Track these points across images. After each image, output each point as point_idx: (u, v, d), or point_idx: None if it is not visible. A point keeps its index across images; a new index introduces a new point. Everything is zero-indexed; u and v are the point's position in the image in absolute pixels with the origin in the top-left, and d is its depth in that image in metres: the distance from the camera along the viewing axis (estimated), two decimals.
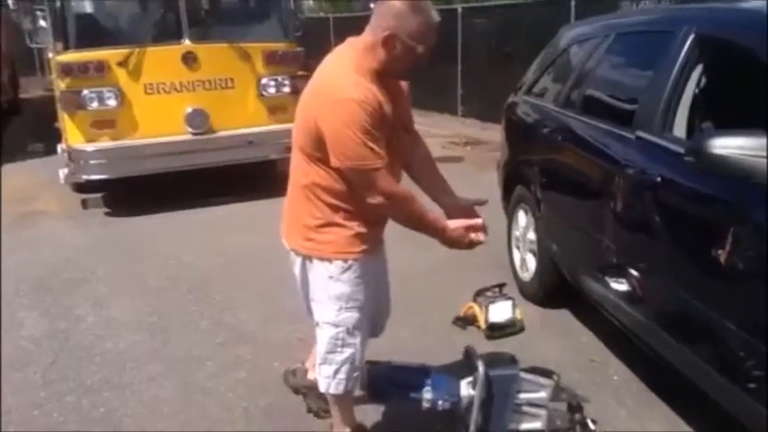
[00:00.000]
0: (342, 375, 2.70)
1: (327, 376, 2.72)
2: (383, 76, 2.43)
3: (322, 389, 2.78)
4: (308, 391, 3.11)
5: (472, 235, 2.66)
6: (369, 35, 2.41)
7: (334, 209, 2.53)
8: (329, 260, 2.58)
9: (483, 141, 9.71)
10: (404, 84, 2.64)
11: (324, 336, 2.69)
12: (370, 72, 2.40)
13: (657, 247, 2.95)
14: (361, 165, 2.36)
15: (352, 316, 2.64)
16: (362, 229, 2.56)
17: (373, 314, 2.79)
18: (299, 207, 2.62)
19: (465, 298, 4.12)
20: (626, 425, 3.08)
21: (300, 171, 2.58)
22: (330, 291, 2.62)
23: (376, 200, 2.42)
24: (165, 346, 4.01)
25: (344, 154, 2.36)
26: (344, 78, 2.37)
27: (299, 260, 2.70)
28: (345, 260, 2.57)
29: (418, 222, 2.55)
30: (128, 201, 6.92)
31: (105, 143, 6.66)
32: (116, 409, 3.38)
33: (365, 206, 2.48)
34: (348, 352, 2.68)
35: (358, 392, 2.92)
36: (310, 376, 3.07)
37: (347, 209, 2.53)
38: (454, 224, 2.65)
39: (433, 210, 2.67)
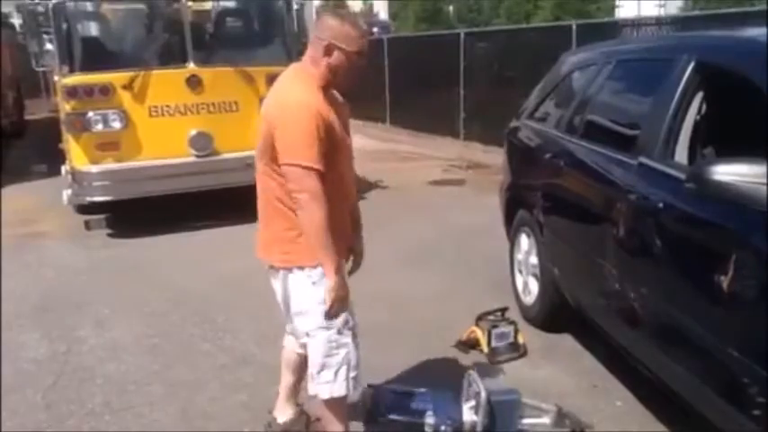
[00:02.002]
0: (342, 377, 2.73)
1: (328, 381, 2.73)
2: (328, 89, 2.67)
3: (325, 396, 2.76)
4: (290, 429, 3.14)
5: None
6: (311, 51, 2.67)
7: None
8: (311, 266, 2.66)
9: (485, 165, 9.75)
10: (344, 104, 2.83)
11: (317, 343, 2.72)
12: (316, 85, 2.63)
13: (659, 272, 2.95)
14: (297, 161, 2.50)
15: (339, 318, 2.69)
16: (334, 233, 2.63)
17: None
18: (272, 223, 2.76)
19: (467, 322, 4.11)
20: None
21: (268, 188, 2.74)
22: (316, 296, 2.66)
23: (301, 196, 2.53)
24: (166, 369, 4.00)
25: (286, 152, 2.53)
26: (293, 88, 2.63)
27: (279, 275, 2.78)
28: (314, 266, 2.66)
29: (322, 238, 2.55)
30: (131, 222, 6.94)
31: (109, 165, 6.69)
32: None
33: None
34: (343, 352, 2.72)
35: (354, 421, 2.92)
36: (281, 419, 3.15)
37: None
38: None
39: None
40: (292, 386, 3.15)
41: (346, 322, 2.72)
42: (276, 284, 2.84)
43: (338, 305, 2.62)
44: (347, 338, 2.73)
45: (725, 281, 2.45)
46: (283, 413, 3.16)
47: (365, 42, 2.64)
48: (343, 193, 2.72)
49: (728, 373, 2.53)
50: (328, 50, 2.60)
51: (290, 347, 3.09)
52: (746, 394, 2.43)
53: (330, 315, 2.62)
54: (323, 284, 2.63)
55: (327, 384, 2.74)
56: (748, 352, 2.40)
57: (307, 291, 2.69)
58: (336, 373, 2.72)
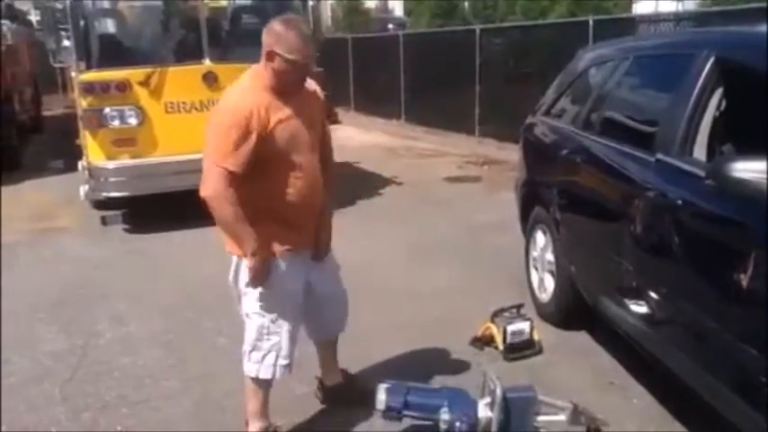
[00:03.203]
0: (269, 361, 2.96)
1: (256, 361, 2.98)
2: (281, 93, 2.79)
3: (251, 374, 3.01)
4: None
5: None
6: (260, 63, 2.80)
7: (252, 211, 2.77)
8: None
9: (500, 161, 9.71)
10: (316, 103, 3.00)
11: (251, 325, 2.97)
12: (265, 89, 2.78)
13: (677, 269, 2.93)
14: (210, 159, 2.71)
15: (275, 307, 2.92)
16: (281, 229, 2.87)
17: (314, 313, 3.13)
18: None
19: (482, 319, 4.10)
20: None
21: None
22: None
23: (205, 192, 2.74)
24: (182, 363, 4.03)
25: (206, 149, 2.75)
26: (234, 90, 2.86)
27: (234, 259, 2.99)
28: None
29: (231, 230, 2.83)
30: (147, 218, 6.98)
31: (126, 161, 6.72)
32: (133, 426, 3.39)
33: (279, 207, 2.85)
34: (274, 339, 2.95)
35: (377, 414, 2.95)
36: (328, 383, 3.44)
37: (263, 210, 2.83)
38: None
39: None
40: (329, 355, 3.43)
41: (281, 314, 2.93)
42: (231, 268, 3.06)
43: (255, 282, 2.85)
44: (280, 328, 2.94)
45: (744, 278, 2.43)
46: (329, 378, 3.45)
47: (307, 52, 2.75)
48: (296, 187, 2.85)
49: (746, 371, 2.51)
50: (270, 56, 2.74)
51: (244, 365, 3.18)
52: (764, 393, 2.41)
53: (252, 285, 2.87)
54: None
55: (255, 365, 2.99)
56: (765, 349, 2.38)
57: (245, 277, 2.92)
58: (264, 357, 2.96)
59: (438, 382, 3.52)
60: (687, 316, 2.89)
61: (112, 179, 6.74)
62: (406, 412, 2.97)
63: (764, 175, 2.31)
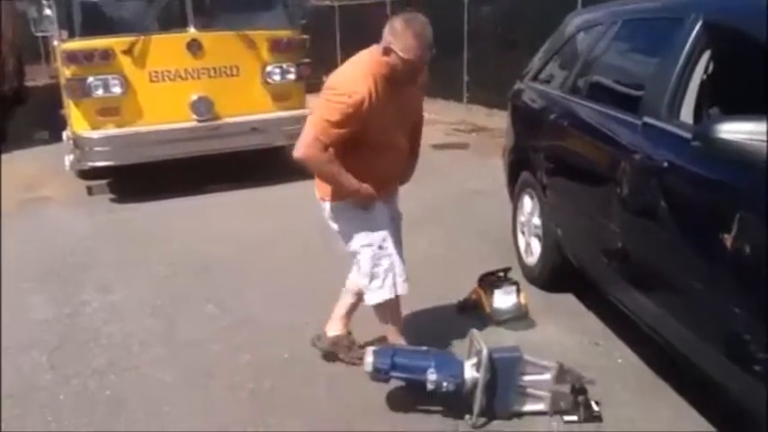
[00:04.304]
0: (389, 281, 3.18)
1: (378, 288, 3.20)
2: (392, 82, 2.96)
3: (377, 300, 3.22)
4: (336, 347, 3.52)
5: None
6: (381, 45, 2.94)
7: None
8: (337, 201, 3.18)
9: (488, 128, 9.70)
10: (418, 93, 3.29)
11: (364, 258, 3.19)
12: (380, 76, 2.95)
13: (663, 231, 2.94)
14: (311, 124, 2.97)
15: (378, 235, 3.16)
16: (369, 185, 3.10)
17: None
18: None
19: (470, 283, 4.12)
20: (630, 407, 3.08)
21: None
22: (350, 223, 3.19)
23: (297, 154, 2.99)
24: (170, 330, 4.03)
25: (313, 114, 3.01)
26: (346, 70, 3.03)
27: (327, 206, 3.22)
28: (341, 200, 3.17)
29: (332, 181, 3.11)
30: (133, 187, 6.95)
31: (110, 130, 6.67)
32: (122, 391, 3.40)
33: (367, 176, 3.06)
34: (386, 263, 3.17)
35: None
36: (331, 333, 3.54)
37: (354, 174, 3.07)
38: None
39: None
40: (349, 306, 3.54)
41: (384, 238, 3.16)
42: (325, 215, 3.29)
43: (362, 204, 3.11)
44: (388, 251, 3.16)
45: (728, 239, 2.44)
46: (333, 329, 3.56)
47: (421, 53, 2.89)
48: (385, 164, 3.13)
49: (730, 330, 2.54)
50: (386, 51, 2.90)
51: (353, 275, 3.43)
52: (748, 350, 2.44)
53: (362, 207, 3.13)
54: (356, 215, 3.15)
55: (378, 291, 3.19)
56: (750, 309, 2.40)
57: (341, 220, 3.20)
58: (384, 280, 3.17)
59: (426, 344, 3.54)
60: (673, 278, 2.92)
61: (97, 149, 6.69)
62: (393, 373, 3.00)
63: (750, 137, 2.31)
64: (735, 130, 2.32)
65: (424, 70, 3.04)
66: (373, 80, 2.93)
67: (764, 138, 2.27)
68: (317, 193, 3.27)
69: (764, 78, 2.64)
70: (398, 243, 3.35)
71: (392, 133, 3.11)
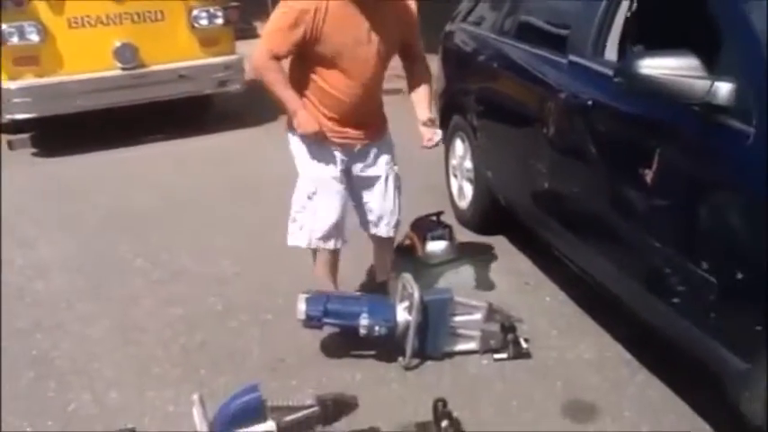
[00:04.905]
0: (305, 231, 3.13)
1: (293, 231, 3.19)
2: (364, 2, 2.85)
3: (290, 242, 3.20)
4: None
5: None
6: None
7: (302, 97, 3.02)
8: (292, 133, 3.11)
9: None
10: (406, 13, 3.07)
11: (294, 198, 3.17)
12: None
13: (588, 169, 2.98)
14: (262, 37, 3.01)
15: (310, 186, 3.09)
16: (325, 120, 3.01)
17: (358, 207, 3.29)
18: None
19: (403, 227, 4.10)
20: (557, 343, 3.16)
21: None
22: (297, 159, 3.15)
23: (251, 64, 3.01)
24: (98, 286, 3.92)
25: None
26: None
27: (289, 136, 3.15)
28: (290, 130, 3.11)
29: (278, 93, 2.98)
30: (57, 141, 6.66)
31: (29, 80, 6.34)
32: (48, 350, 3.31)
33: (326, 105, 3.00)
34: (308, 216, 3.12)
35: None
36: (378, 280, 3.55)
37: (312, 101, 3.02)
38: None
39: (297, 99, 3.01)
40: (379, 253, 3.52)
41: (314, 191, 3.07)
42: None
43: (305, 132, 2.99)
44: (315, 205, 3.08)
45: (649, 174, 2.48)
46: (379, 275, 3.56)
47: None
48: (345, 94, 2.97)
49: (651, 264, 2.60)
50: None
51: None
52: (668, 284, 2.51)
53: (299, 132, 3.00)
54: (303, 151, 3.09)
55: (295, 233, 3.17)
56: (670, 243, 2.46)
57: (294, 152, 3.15)
58: (301, 228, 3.14)
59: (360, 288, 3.56)
60: (597, 215, 2.96)
61: (16, 100, 6.36)
62: (326, 320, 2.99)
63: (671, 72, 2.31)
64: (655, 66, 2.32)
65: None
66: None
67: (684, 72, 2.27)
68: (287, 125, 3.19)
69: (686, 14, 2.65)
70: (374, 198, 3.23)
71: (351, 59, 2.93)
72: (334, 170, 3.10)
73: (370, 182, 3.22)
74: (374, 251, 3.52)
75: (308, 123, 2.98)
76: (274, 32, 2.92)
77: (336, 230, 3.15)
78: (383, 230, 3.32)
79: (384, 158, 3.22)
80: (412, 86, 3.22)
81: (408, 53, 3.20)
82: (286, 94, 2.96)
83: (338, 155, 3.09)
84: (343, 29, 2.87)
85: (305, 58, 2.94)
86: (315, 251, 3.25)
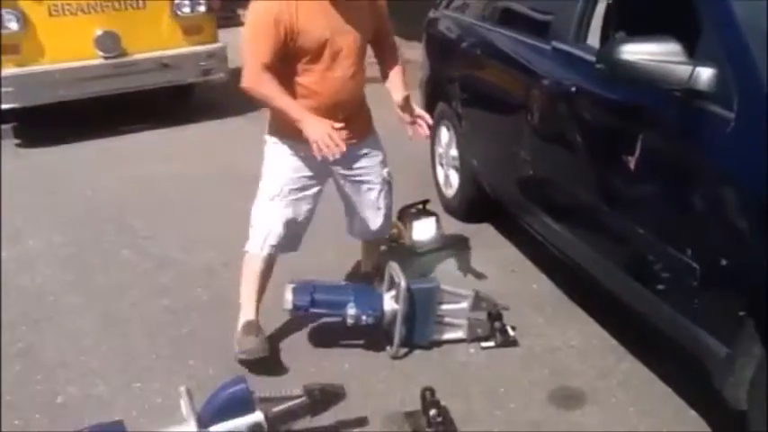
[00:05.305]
0: (259, 236, 3.01)
1: (251, 236, 3.06)
2: None
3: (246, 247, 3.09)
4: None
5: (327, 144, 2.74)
6: None
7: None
8: (268, 134, 3.03)
9: (409, 60, 9.51)
10: (369, 7, 2.94)
11: (256, 201, 3.06)
12: None
13: (571, 156, 2.99)
14: (246, 54, 2.82)
15: (270, 190, 2.98)
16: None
17: (347, 212, 3.27)
18: None
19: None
20: (544, 330, 3.18)
21: None
22: (265, 162, 3.05)
23: (244, 83, 2.81)
24: (84, 278, 3.91)
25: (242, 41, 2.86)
26: None
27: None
28: (277, 137, 3.00)
29: (276, 105, 2.86)
30: (39, 131, 6.60)
31: (10, 70, 6.25)
32: (35, 342, 3.30)
33: (304, 103, 2.85)
34: (265, 220, 3.00)
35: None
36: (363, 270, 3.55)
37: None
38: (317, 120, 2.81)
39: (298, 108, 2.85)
40: (368, 250, 3.51)
41: (278, 194, 2.96)
42: None
43: (316, 133, 2.72)
44: (273, 210, 2.97)
45: (632, 161, 2.49)
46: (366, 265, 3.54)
47: None
48: (323, 89, 2.86)
49: (635, 251, 2.62)
50: None
51: None
52: (651, 270, 2.53)
53: (320, 147, 2.72)
54: (270, 154, 3.01)
55: (250, 239, 3.05)
56: (653, 229, 2.48)
57: (265, 155, 3.05)
58: (256, 232, 3.01)
59: (347, 278, 3.56)
60: (581, 202, 2.98)
61: None
62: (313, 309, 2.99)
63: (652, 58, 2.31)
64: (636, 51, 2.32)
65: None
66: None
67: (665, 58, 2.27)
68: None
69: (668, 0, 2.66)
70: (361, 204, 3.17)
71: (329, 53, 2.83)
72: (309, 174, 2.99)
73: (360, 189, 3.13)
74: (363, 245, 3.52)
75: (320, 126, 2.74)
76: (255, 41, 2.79)
77: (294, 240, 3.08)
78: (372, 236, 3.35)
79: (374, 161, 3.12)
80: (385, 72, 3.12)
81: (381, 40, 3.09)
82: (285, 103, 2.81)
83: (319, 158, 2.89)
84: (318, 20, 2.77)
85: (283, 59, 2.80)
86: (251, 266, 3.09)
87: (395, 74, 3.09)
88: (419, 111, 3.08)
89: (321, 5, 2.77)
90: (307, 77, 2.86)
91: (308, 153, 2.83)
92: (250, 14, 2.84)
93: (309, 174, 2.99)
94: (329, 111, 2.85)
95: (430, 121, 3.07)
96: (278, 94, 2.80)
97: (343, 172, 3.07)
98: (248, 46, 2.81)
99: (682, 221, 2.35)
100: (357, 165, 3.06)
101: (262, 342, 2.96)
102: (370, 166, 3.10)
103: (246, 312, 3.06)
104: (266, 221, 2.98)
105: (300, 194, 3.00)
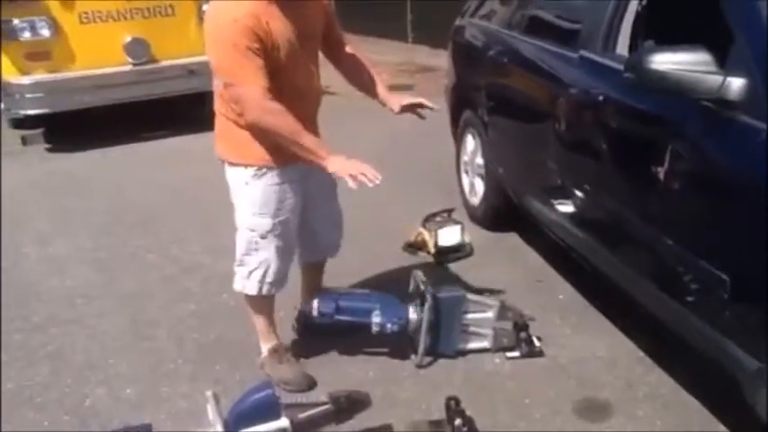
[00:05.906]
0: (256, 277, 2.84)
1: (242, 277, 2.88)
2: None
3: (238, 288, 2.92)
4: None
5: (364, 173, 2.57)
6: None
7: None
8: (242, 165, 2.73)
9: (433, 68, 9.57)
10: (317, 11, 2.75)
11: (240, 239, 2.85)
12: None
13: (599, 166, 2.97)
14: (231, 80, 2.53)
15: (264, 222, 2.76)
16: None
17: (307, 232, 2.98)
18: (220, 120, 2.81)
19: (414, 224, 4.13)
20: (570, 341, 3.16)
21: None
22: (247, 195, 2.76)
23: (249, 118, 2.57)
24: (112, 282, 3.96)
25: (219, 70, 2.57)
26: (225, 5, 2.52)
27: (225, 167, 2.84)
28: (260, 167, 2.71)
29: (294, 140, 2.58)
30: (70, 136, 6.71)
31: (41, 75, 6.41)
32: (65, 345, 3.35)
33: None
34: (263, 255, 2.81)
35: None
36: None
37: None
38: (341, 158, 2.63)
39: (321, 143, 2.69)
40: (314, 281, 3.25)
41: (271, 229, 2.77)
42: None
43: (352, 171, 2.55)
44: (270, 244, 2.79)
45: (662, 172, 2.47)
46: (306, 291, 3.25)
47: None
48: (295, 100, 2.61)
49: (664, 262, 2.59)
50: None
51: None
52: (680, 281, 2.50)
53: (360, 180, 2.55)
54: (255, 186, 2.73)
55: (242, 280, 2.89)
56: (682, 240, 2.45)
57: (239, 188, 2.79)
58: (251, 272, 2.84)
59: (372, 287, 3.55)
60: (609, 212, 2.96)
61: (29, 96, 6.43)
62: (338, 317, 2.99)
63: (682, 67, 2.29)
64: (665, 60, 2.30)
65: None
66: (259, 3, 2.49)
67: (695, 68, 2.25)
68: (221, 153, 2.82)
69: (698, 9, 2.64)
70: (327, 216, 3.02)
71: (295, 62, 2.62)
72: (294, 201, 2.79)
73: (319, 198, 2.94)
74: (306, 270, 3.21)
75: (348, 162, 2.58)
76: (240, 64, 2.47)
77: (286, 272, 2.93)
78: (334, 251, 3.17)
79: (331, 179, 2.85)
80: (363, 83, 3.01)
81: (334, 42, 2.93)
82: (306, 139, 2.56)
83: (294, 180, 2.76)
84: (286, 25, 2.55)
85: None
86: (256, 301, 2.95)
87: (378, 84, 3.02)
88: (413, 99, 3.01)
89: (282, 7, 2.54)
90: (279, 88, 2.57)
91: (294, 176, 2.73)
92: (221, 34, 2.49)
93: (293, 199, 2.79)
94: (303, 121, 2.62)
95: (428, 104, 2.99)
96: (292, 126, 2.55)
97: (310, 185, 2.86)
98: (234, 70, 2.50)
99: (711, 233, 2.32)
100: (316, 175, 2.79)
101: (304, 375, 2.93)
102: (323, 175, 2.74)
103: (267, 339, 3.02)
104: (262, 260, 2.81)
105: (290, 224, 2.83)
